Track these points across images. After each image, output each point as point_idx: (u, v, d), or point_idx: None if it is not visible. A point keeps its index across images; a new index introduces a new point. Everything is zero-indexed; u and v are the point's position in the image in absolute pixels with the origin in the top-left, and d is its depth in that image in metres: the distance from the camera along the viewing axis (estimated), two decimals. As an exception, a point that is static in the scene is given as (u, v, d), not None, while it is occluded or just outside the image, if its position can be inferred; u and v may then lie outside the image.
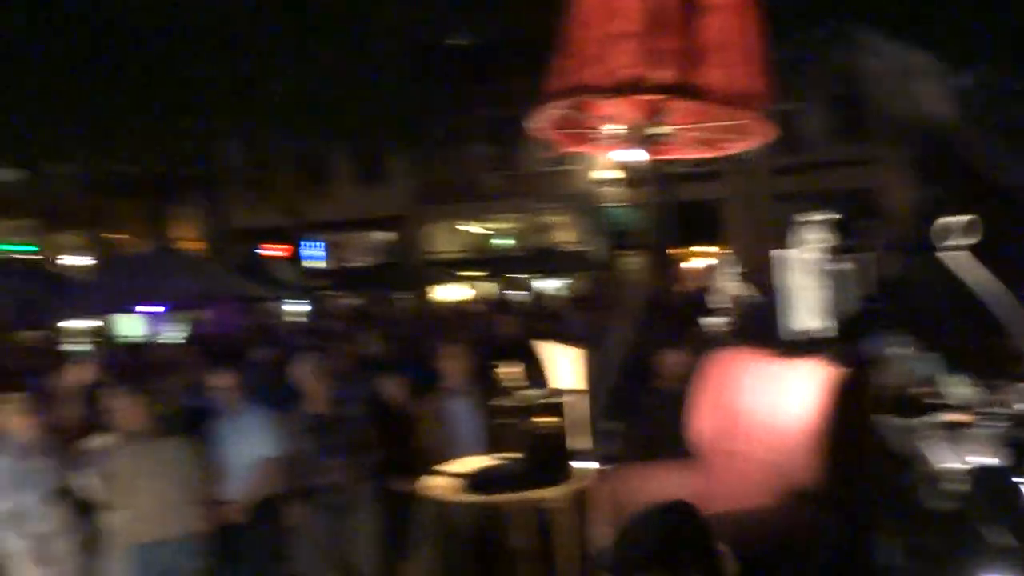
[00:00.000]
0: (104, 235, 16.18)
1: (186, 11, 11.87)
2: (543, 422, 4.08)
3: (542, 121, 3.40)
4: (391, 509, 4.52)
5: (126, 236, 16.27)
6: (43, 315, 10.95)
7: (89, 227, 16.14)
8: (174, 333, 10.90)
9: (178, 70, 12.10)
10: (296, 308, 14.67)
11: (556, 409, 4.10)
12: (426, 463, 4.33)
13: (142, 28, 11.88)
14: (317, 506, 4.49)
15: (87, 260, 14.54)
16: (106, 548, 4.19)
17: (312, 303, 15.13)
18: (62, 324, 11.36)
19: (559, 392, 4.26)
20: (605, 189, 14.93)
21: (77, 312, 11.52)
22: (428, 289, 18.97)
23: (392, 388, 4.90)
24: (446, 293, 19.16)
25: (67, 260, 15.02)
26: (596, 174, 14.86)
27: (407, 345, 6.94)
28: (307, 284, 16.53)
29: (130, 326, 12.13)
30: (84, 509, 4.26)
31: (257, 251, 17.46)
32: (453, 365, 4.93)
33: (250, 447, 4.44)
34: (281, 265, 17.37)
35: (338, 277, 19.61)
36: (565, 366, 4.37)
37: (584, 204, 18.32)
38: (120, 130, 13.12)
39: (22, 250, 15.44)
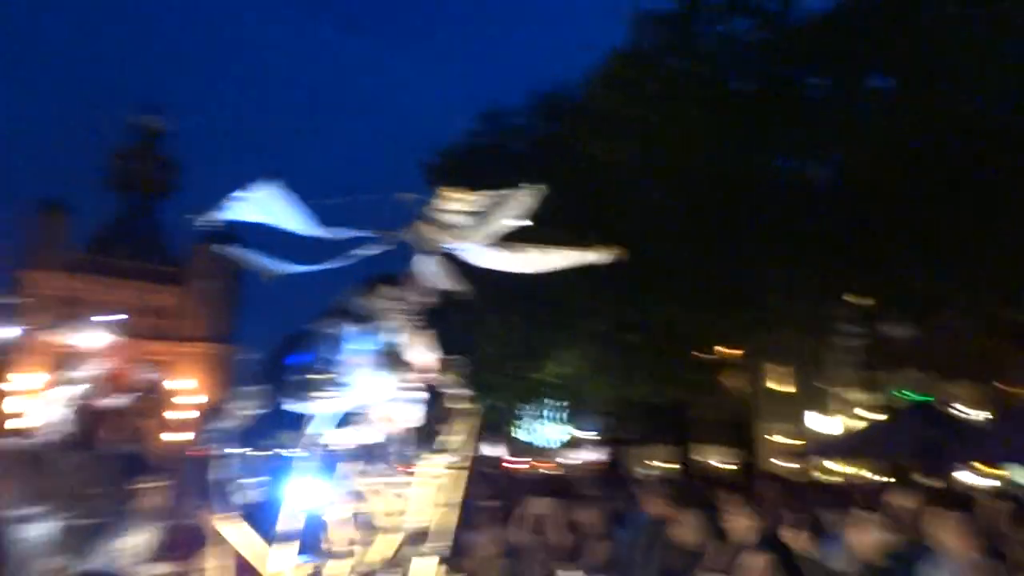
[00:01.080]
0: (999, 385, 15.62)
1: None
2: None
3: None
4: None
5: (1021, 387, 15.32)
6: (941, 460, 11.16)
7: (981, 377, 15.85)
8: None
9: None
10: None
11: None
12: None
13: None
14: None
15: (980, 412, 14.20)
16: None
17: None
18: (957, 473, 11.34)
19: None
20: None
21: (975, 460, 11.36)
22: None
23: None
24: None
25: (961, 409, 14.98)
26: None
27: None
28: None
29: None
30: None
31: None
32: None
33: None
34: None
35: None
36: None
37: None
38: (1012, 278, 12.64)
39: (917, 399, 16.16)
